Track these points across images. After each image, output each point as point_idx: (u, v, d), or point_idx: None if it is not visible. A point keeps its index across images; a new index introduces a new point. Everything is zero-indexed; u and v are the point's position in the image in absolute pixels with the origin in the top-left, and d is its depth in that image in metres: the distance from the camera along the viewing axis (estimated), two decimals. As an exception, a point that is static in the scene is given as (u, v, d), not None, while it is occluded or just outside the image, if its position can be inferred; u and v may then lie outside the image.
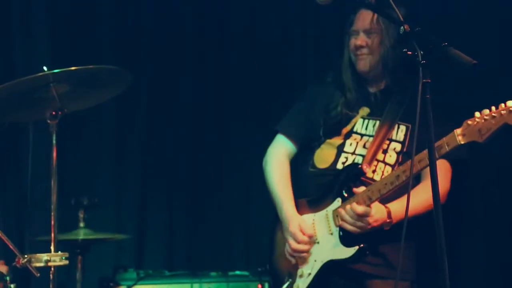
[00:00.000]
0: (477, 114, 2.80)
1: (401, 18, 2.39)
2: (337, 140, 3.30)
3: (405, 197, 3.02)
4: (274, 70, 4.53)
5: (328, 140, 3.31)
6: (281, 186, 3.35)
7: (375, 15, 3.23)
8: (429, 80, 2.28)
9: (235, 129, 4.58)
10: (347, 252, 3.10)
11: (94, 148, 4.50)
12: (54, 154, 3.05)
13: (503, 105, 2.75)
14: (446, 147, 2.82)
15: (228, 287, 3.99)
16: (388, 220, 3.06)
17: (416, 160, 2.83)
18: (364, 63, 3.28)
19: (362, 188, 3.09)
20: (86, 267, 3.85)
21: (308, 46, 4.56)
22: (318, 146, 3.34)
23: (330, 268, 3.15)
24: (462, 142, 2.81)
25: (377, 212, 3.05)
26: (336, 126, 3.31)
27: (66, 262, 2.96)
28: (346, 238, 3.11)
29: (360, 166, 3.16)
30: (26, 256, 2.84)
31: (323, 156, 3.31)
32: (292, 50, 4.56)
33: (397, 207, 3.06)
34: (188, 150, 4.57)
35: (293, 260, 3.22)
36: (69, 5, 4.50)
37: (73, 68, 3.01)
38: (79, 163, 4.43)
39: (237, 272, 4.04)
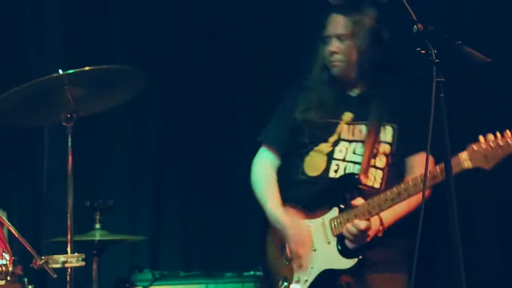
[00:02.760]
0: (481, 139, 2.83)
1: (414, 17, 2.39)
2: (326, 148, 3.26)
3: (395, 207, 3.07)
4: (285, 70, 4.53)
5: (316, 148, 3.27)
6: (270, 194, 3.33)
7: (347, 19, 3.20)
8: (443, 79, 2.28)
9: (249, 130, 4.58)
10: (347, 263, 3.10)
11: (109, 150, 4.52)
12: (70, 157, 3.07)
13: (509, 133, 2.81)
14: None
15: (243, 287, 3.99)
16: (381, 228, 3.09)
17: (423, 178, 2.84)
18: (338, 69, 3.25)
19: (360, 201, 3.09)
20: (102, 268, 3.86)
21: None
22: (307, 153, 3.29)
23: (326, 276, 3.14)
24: (469, 167, 2.85)
25: (375, 225, 3.08)
26: (322, 133, 3.28)
27: (83, 263, 2.98)
28: (345, 249, 3.11)
29: (357, 176, 3.15)
30: (43, 257, 2.86)
31: (314, 164, 3.27)
32: (303, 50, 4.57)
33: (389, 215, 3.09)
34: (202, 151, 4.58)
35: (290, 264, 3.20)
36: (82, 7, 4.52)
37: (87, 68, 3.03)
38: (94, 165, 4.45)
39: (252, 273, 4.05)
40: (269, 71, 4.55)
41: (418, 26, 2.33)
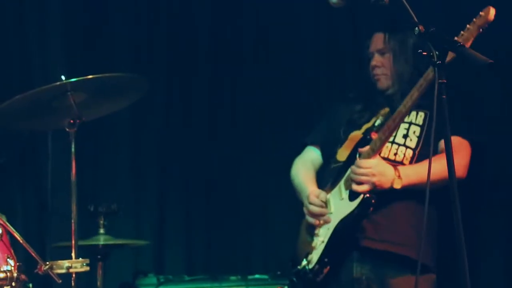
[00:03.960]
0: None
1: (415, 19, 2.39)
2: (358, 134, 3.35)
3: (418, 164, 3.15)
4: (286, 73, 4.55)
5: (349, 137, 3.39)
6: (304, 176, 3.47)
7: (386, 35, 3.35)
8: (445, 81, 2.28)
9: (252, 134, 4.59)
10: (353, 205, 3.14)
11: (112, 154, 4.53)
12: (73, 162, 3.08)
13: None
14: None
15: (248, 291, 4.00)
16: (397, 175, 3.10)
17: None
18: (381, 82, 3.39)
19: (367, 147, 3.18)
20: (106, 273, 3.87)
21: (321, 49, 4.57)
22: (341, 146, 3.41)
23: (342, 234, 3.17)
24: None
25: (381, 165, 3.12)
26: (357, 123, 3.40)
27: (87, 268, 2.99)
28: (353, 195, 3.16)
29: (368, 137, 3.22)
30: (47, 263, 2.87)
31: (344, 152, 3.37)
32: (304, 54, 4.58)
33: (408, 168, 3.15)
34: (205, 155, 4.58)
35: (314, 222, 3.27)
36: (83, 12, 4.53)
37: (90, 76, 3.04)
38: (97, 170, 4.45)
39: (257, 276, 4.05)
40: (271, 72, 4.55)
41: (420, 27, 2.34)
